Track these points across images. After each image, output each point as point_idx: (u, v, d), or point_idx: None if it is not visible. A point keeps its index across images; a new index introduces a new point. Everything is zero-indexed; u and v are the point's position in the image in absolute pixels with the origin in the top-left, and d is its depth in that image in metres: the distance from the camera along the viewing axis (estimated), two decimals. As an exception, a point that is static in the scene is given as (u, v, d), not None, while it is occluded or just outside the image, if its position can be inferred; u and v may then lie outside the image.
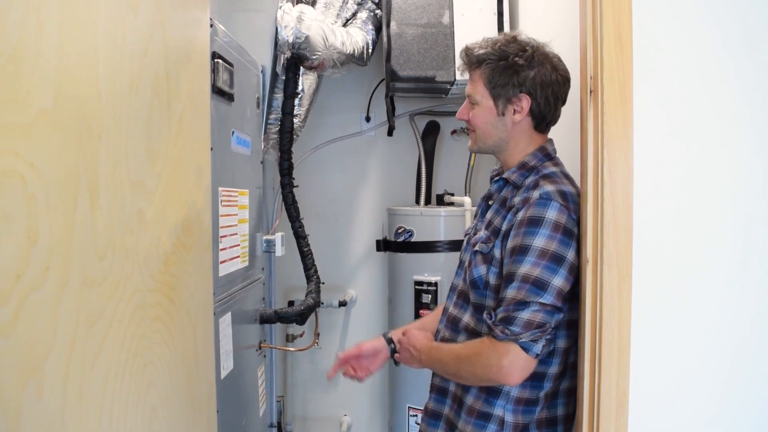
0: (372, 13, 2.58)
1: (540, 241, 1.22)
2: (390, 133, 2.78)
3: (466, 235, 1.52)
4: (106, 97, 0.88)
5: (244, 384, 1.84)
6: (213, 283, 1.45)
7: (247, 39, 1.91)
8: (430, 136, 2.84)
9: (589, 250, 1.17)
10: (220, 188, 1.56)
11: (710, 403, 1.16)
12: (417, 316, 2.54)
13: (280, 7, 2.12)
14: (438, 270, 2.53)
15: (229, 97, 1.64)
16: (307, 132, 2.69)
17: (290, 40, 2.10)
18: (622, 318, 1.14)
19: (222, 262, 1.59)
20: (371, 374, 1.63)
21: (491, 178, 1.49)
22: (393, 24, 2.43)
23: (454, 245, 2.48)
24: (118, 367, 0.92)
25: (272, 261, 2.40)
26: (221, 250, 1.58)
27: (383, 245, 2.78)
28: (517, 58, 1.33)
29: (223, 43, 1.60)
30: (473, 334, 1.36)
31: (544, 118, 1.37)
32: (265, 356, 2.16)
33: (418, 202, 2.80)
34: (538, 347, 1.21)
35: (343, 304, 2.94)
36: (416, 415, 2.56)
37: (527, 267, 1.22)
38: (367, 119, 2.97)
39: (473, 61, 1.38)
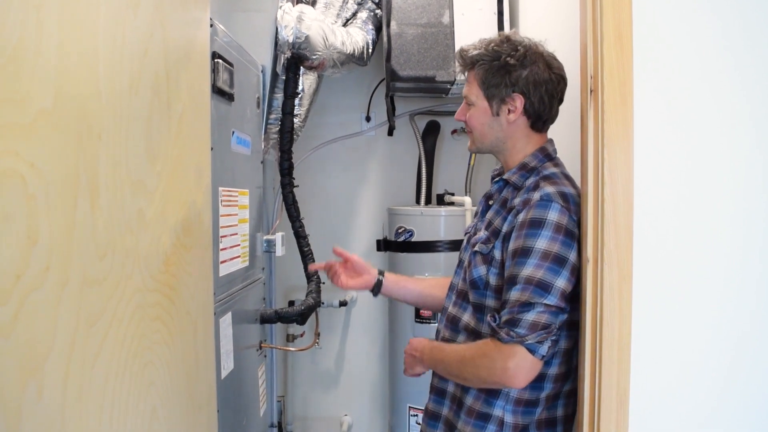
0: (372, 13, 2.58)
1: (542, 242, 1.22)
2: (390, 132, 2.78)
3: (466, 233, 1.52)
4: (106, 97, 0.88)
5: (244, 384, 1.84)
6: (213, 283, 1.45)
7: (247, 39, 1.91)
8: (430, 135, 2.84)
9: (590, 249, 1.17)
10: (220, 188, 1.56)
11: (710, 398, 1.16)
12: (417, 315, 2.54)
13: (280, 7, 2.13)
14: (438, 270, 2.53)
15: (229, 97, 1.64)
16: (307, 132, 2.69)
17: (290, 40, 2.10)
18: (622, 318, 1.14)
19: (222, 262, 1.59)
20: (345, 286, 1.68)
21: (492, 178, 1.49)
22: (393, 24, 2.43)
23: (455, 245, 2.48)
24: (118, 367, 0.91)
25: (272, 261, 2.40)
26: (221, 250, 1.58)
27: (383, 245, 2.78)
28: (509, 58, 1.33)
29: (223, 43, 1.60)
30: (473, 333, 1.36)
31: (539, 117, 1.36)
32: (265, 356, 2.16)
33: (418, 201, 2.80)
34: (544, 348, 1.21)
35: (343, 304, 2.94)
36: (417, 415, 2.56)
37: (530, 269, 1.22)
38: (368, 119, 2.97)
39: (467, 62, 1.39)
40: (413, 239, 2.57)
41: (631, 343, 1.14)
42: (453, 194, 2.73)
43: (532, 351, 1.20)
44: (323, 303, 2.74)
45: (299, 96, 2.38)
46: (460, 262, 1.49)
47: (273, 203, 2.48)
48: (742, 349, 1.14)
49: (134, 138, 0.98)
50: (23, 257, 0.68)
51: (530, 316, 1.20)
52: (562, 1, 1.77)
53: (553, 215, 1.23)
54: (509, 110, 1.35)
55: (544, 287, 1.20)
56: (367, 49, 2.53)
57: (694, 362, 1.15)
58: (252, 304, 1.96)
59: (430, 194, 2.81)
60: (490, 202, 1.44)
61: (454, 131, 2.92)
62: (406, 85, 2.51)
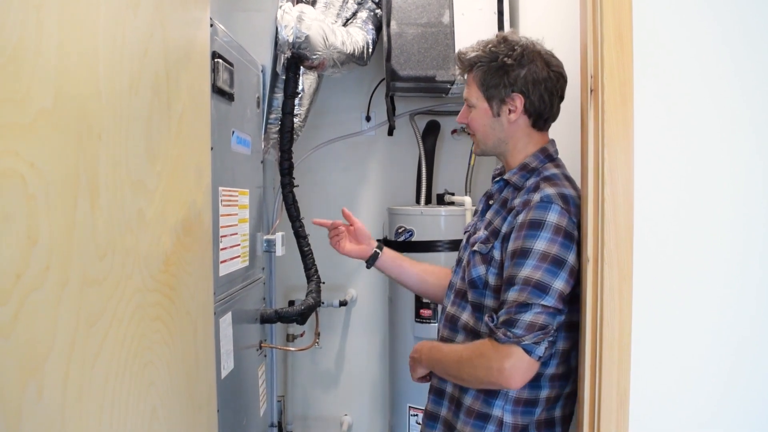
0: (372, 13, 2.58)
1: (541, 244, 1.22)
2: (390, 132, 2.78)
3: (465, 232, 1.53)
4: (106, 97, 0.88)
5: (244, 384, 1.84)
6: (213, 283, 1.45)
7: (247, 39, 1.91)
8: (430, 135, 2.84)
9: (590, 249, 1.17)
10: (220, 188, 1.56)
11: (710, 403, 1.16)
12: (417, 315, 2.54)
13: (280, 6, 2.12)
14: (438, 269, 2.53)
15: (229, 97, 1.64)
16: (307, 131, 2.69)
17: (290, 40, 2.10)
18: (622, 317, 1.14)
19: (222, 262, 1.59)
20: (343, 251, 1.71)
21: (493, 178, 1.49)
22: (393, 23, 2.43)
23: (455, 245, 2.48)
24: (118, 367, 0.91)
25: (272, 261, 2.40)
26: (221, 249, 1.58)
27: (383, 245, 2.77)
28: (506, 59, 1.33)
29: (224, 42, 1.60)
30: (472, 332, 1.36)
31: (540, 116, 1.36)
32: (265, 356, 2.16)
33: (418, 201, 2.80)
34: (541, 349, 1.21)
35: (343, 303, 2.94)
36: (417, 415, 2.56)
37: (528, 270, 1.22)
38: (368, 119, 2.97)
39: (466, 65, 1.39)
40: (413, 239, 2.57)
41: (631, 343, 1.14)
42: (453, 194, 2.73)
43: (528, 352, 1.20)
44: (323, 303, 2.74)
45: (299, 96, 2.38)
46: (459, 261, 1.49)
47: (273, 203, 2.48)
48: (742, 355, 1.14)
49: (134, 138, 0.98)
50: (23, 257, 0.68)
51: (527, 317, 1.20)
52: (562, 0, 1.77)
53: (553, 217, 1.23)
54: (510, 110, 1.35)
55: (541, 288, 1.20)
56: (367, 48, 2.53)
57: (694, 367, 1.15)
58: (252, 304, 1.96)
59: (430, 194, 2.81)
60: (491, 202, 1.44)
61: (454, 131, 2.92)
62: (406, 85, 2.50)
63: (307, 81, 2.47)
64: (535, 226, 1.23)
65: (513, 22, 2.47)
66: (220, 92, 1.55)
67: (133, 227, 0.97)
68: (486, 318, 1.28)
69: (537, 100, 1.34)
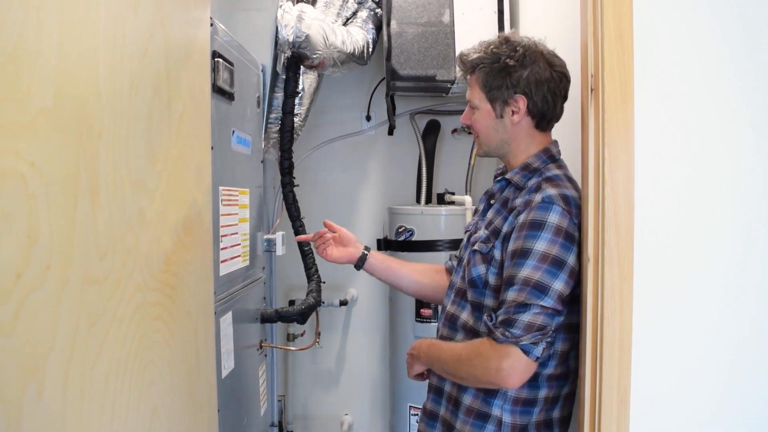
0: (372, 12, 2.57)
1: (541, 245, 1.22)
2: (390, 132, 2.78)
3: (466, 231, 1.52)
4: (107, 97, 0.88)
5: (245, 383, 1.84)
6: (214, 283, 1.45)
7: (247, 38, 1.91)
8: (430, 135, 2.84)
9: (590, 248, 1.17)
10: (220, 187, 1.56)
11: (710, 403, 1.16)
12: (418, 315, 2.54)
13: (281, 6, 2.12)
14: (439, 269, 2.53)
15: (229, 97, 1.64)
16: (307, 131, 2.69)
17: (290, 39, 2.10)
18: (623, 317, 1.13)
19: (223, 262, 1.59)
20: (330, 258, 1.70)
21: (495, 177, 1.49)
22: (393, 23, 2.43)
23: (455, 244, 2.48)
24: (119, 366, 0.91)
25: (273, 260, 2.40)
26: (222, 249, 1.58)
27: (384, 244, 2.77)
28: (508, 60, 1.32)
29: (224, 42, 1.60)
30: (471, 332, 1.36)
31: (544, 117, 1.36)
32: (266, 355, 2.16)
33: (418, 201, 2.80)
34: (539, 350, 1.21)
35: (344, 303, 2.94)
36: (417, 414, 2.56)
37: (528, 270, 1.22)
38: (368, 118, 2.97)
39: (468, 66, 1.39)
40: (414, 238, 2.57)
41: (632, 342, 1.13)
42: (453, 193, 2.72)
43: (526, 352, 1.20)
44: (324, 302, 2.74)
45: (299, 95, 2.38)
46: (459, 260, 1.49)
47: (273, 202, 2.48)
48: (742, 355, 1.14)
49: (135, 137, 0.98)
50: (23, 256, 0.68)
51: (526, 317, 1.20)
52: (562, -1, 1.77)
53: (554, 218, 1.23)
54: (513, 111, 1.35)
55: (541, 289, 1.20)
56: (368, 48, 2.52)
57: (694, 367, 1.15)
58: (252, 304, 1.96)
59: (430, 193, 2.81)
60: (492, 201, 1.44)
61: (454, 130, 2.92)
62: (407, 85, 2.50)
63: (307, 80, 2.47)
64: (536, 226, 1.23)
65: (513, 22, 2.47)
66: (220, 92, 1.55)
67: (134, 227, 0.97)
68: (485, 317, 1.28)
69: (540, 101, 1.34)
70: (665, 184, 1.14)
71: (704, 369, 1.15)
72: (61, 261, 0.76)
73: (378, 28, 2.57)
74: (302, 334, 2.96)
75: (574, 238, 1.24)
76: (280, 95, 2.25)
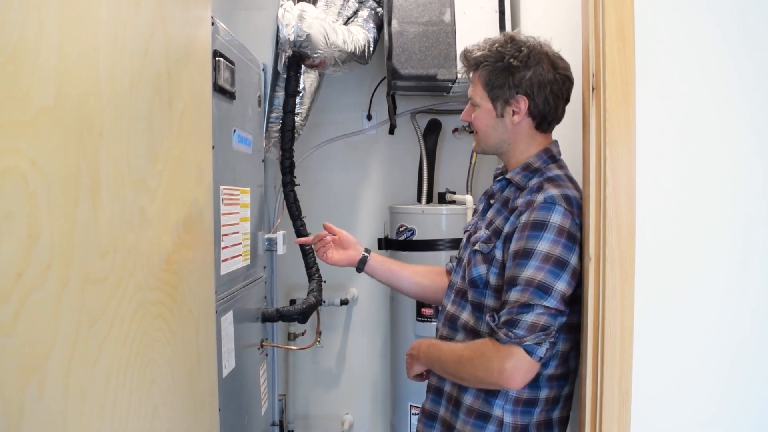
0: (373, 12, 2.57)
1: (544, 245, 1.22)
2: (391, 131, 2.78)
3: (465, 231, 1.52)
4: (108, 95, 0.88)
5: (246, 382, 1.84)
6: (215, 282, 1.45)
7: (248, 37, 1.91)
8: (431, 134, 2.84)
9: (592, 248, 1.17)
10: (221, 186, 1.56)
11: (710, 403, 1.16)
12: (419, 314, 2.54)
13: (282, 5, 2.12)
14: (440, 268, 2.53)
15: (230, 96, 1.64)
16: (308, 130, 2.69)
17: (291, 39, 2.10)
18: (624, 316, 1.13)
19: (224, 261, 1.59)
20: (331, 261, 1.70)
21: (494, 177, 1.49)
22: (394, 22, 2.43)
23: (456, 244, 2.47)
24: (120, 365, 0.91)
25: (274, 259, 2.40)
26: (223, 248, 1.58)
27: (385, 244, 2.77)
28: (512, 60, 1.32)
29: (225, 41, 1.60)
30: (472, 332, 1.36)
31: (545, 118, 1.36)
32: (266, 355, 2.16)
33: (419, 200, 2.80)
34: (542, 350, 1.20)
35: (344, 302, 2.94)
36: (418, 413, 2.56)
37: (531, 271, 1.21)
38: (369, 118, 2.97)
39: (471, 63, 1.38)
40: (414, 238, 2.57)
41: (633, 342, 1.13)
42: (454, 193, 2.72)
43: (529, 352, 1.20)
44: (324, 302, 2.74)
45: (300, 94, 2.38)
46: (459, 260, 1.48)
47: (274, 202, 2.48)
48: (742, 355, 1.14)
49: (135, 136, 0.97)
50: (24, 255, 0.68)
51: (529, 318, 1.20)
52: (563, -1, 1.76)
53: (557, 218, 1.23)
54: (513, 112, 1.34)
55: (544, 289, 1.20)
56: (369, 47, 2.52)
57: (694, 367, 1.15)
58: (253, 303, 1.96)
59: (431, 193, 2.81)
60: (492, 201, 1.43)
61: (455, 130, 2.92)
62: (408, 84, 2.50)
63: (308, 80, 2.47)
64: (539, 227, 1.23)
65: (514, 21, 2.46)
66: (221, 91, 1.55)
67: (135, 226, 0.97)
68: (487, 318, 1.27)
69: (542, 103, 1.33)
70: (665, 184, 1.14)
71: (704, 369, 1.15)
72: (61, 260, 0.76)
73: (379, 28, 2.57)
74: (303, 334, 2.96)
75: (576, 238, 1.23)
76: (281, 94, 2.25)
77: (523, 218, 1.26)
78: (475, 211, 1.55)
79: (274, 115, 2.26)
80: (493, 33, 2.35)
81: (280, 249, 2.13)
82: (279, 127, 2.28)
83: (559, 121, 1.39)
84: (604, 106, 1.13)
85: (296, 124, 2.33)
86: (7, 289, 0.65)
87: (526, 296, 1.21)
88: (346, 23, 2.53)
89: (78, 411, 0.80)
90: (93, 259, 0.83)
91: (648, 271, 1.14)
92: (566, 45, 1.41)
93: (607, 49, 1.12)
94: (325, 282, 2.48)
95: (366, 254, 1.68)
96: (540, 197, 1.26)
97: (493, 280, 1.31)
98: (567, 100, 1.37)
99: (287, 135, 2.27)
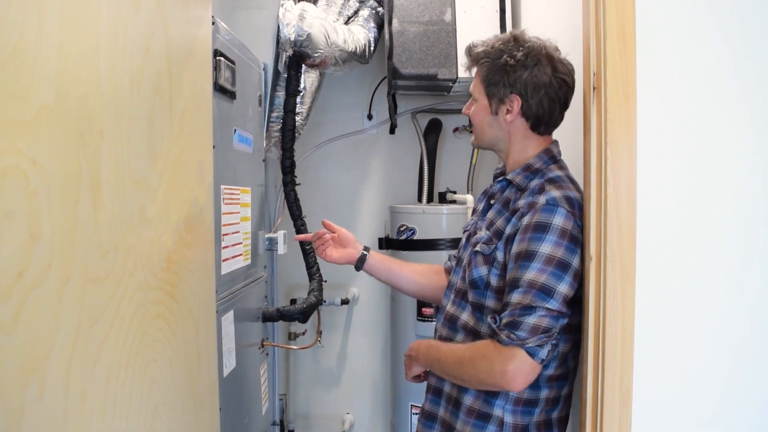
0: (374, 11, 2.57)
1: (546, 247, 1.22)
2: (392, 131, 2.77)
3: (465, 231, 1.52)
4: (108, 95, 0.88)
5: (246, 382, 1.84)
6: (215, 281, 1.45)
7: (249, 37, 1.91)
8: (432, 133, 2.84)
9: (593, 247, 1.17)
10: (222, 186, 1.56)
11: (710, 403, 1.16)
12: (419, 314, 2.54)
13: (282, 4, 2.12)
14: (440, 268, 2.53)
15: (231, 95, 1.64)
16: (309, 130, 2.69)
17: (292, 38, 2.10)
18: (625, 316, 1.13)
19: (224, 260, 1.59)
20: (330, 259, 1.70)
21: (495, 177, 1.49)
22: (395, 21, 2.43)
23: (457, 243, 2.45)
24: (120, 365, 0.91)
25: (274, 259, 2.40)
26: (223, 248, 1.58)
27: (385, 243, 2.77)
28: (510, 58, 1.32)
29: (225, 40, 1.60)
30: (472, 332, 1.36)
31: (539, 121, 1.35)
32: (267, 354, 2.16)
33: (420, 200, 2.80)
34: (544, 352, 1.20)
35: (345, 302, 2.94)
36: (418, 413, 2.56)
37: (533, 273, 1.21)
38: (369, 117, 2.97)
39: (473, 59, 1.40)
40: (415, 237, 2.57)
41: (633, 342, 1.13)
42: (455, 192, 2.72)
43: (532, 354, 1.20)
44: (325, 301, 2.74)
45: (301, 94, 2.38)
46: (459, 260, 1.48)
47: (275, 201, 2.48)
48: (742, 355, 1.14)
49: (136, 135, 0.97)
50: (25, 254, 0.68)
51: (531, 320, 1.20)
52: (564, -2, 1.76)
53: (559, 220, 1.23)
54: (507, 110, 1.35)
55: (546, 291, 1.20)
56: (369, 47, 2.52)
57: (695, 367, 1.15)
58: (254, 302, 1.96)
59: (432, 192, 2.81)
60: (492, 201, 1.43)
61: (456, 129, 2.92)
62: (408, 83, 2.50)
63: (308, 79, 2.47)
64: (541, 228, 1.23)
65: (515, 20, 2.46)
66: (222, 90, 1.55)
67: (135, 225, 0.97)
68: (489, 319, 1.27)
69: (535, 105, 1.33)
70: (666, 184, 1.14)
71: (704, 369, 1.15)
72: (62, 259, 0.76)
73: (379, 27, 2.57)
74: (304, 333, 2.96)
75: (578, 240, 1.23)
76: (281, 94, 2.25)
77: (525, 220, 1.26)
78: (474, 211, 1.55)
79: (274, 114, 2.26)
80: (494, 32, 2.35)
81: (281, 248, 2.13)
82: (280, 126, 2.28)
83: (556, 125, 1.39)
84: (605, 105, 1.13)
85: (297, 123, 2.33)
86: (7, 288, 0.65)
87: (528, 298, 1.20)
88: (346, 23, 2.53)
89: (78, 411, 0.80)
90: (93, 258, 0.83)
91: (649, 271, 1.14)
92: (567, 44, 1.41)
93: (608, 48, 1.12)
94: (325, 281, 2.48)
95: (365, 252, 1.68)
96: (542, 199, 1.26)
97: (494, 281, 1.31)
98: (564, 106, 1.36)
99: (288, 134, 2.27)
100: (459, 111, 2.82)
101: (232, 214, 1.66)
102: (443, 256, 2.51)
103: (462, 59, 2.30)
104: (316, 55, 2.17)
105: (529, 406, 1.31)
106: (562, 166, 1.37)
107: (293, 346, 2.87)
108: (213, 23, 1.45)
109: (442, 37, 2.43)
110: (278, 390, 2.48)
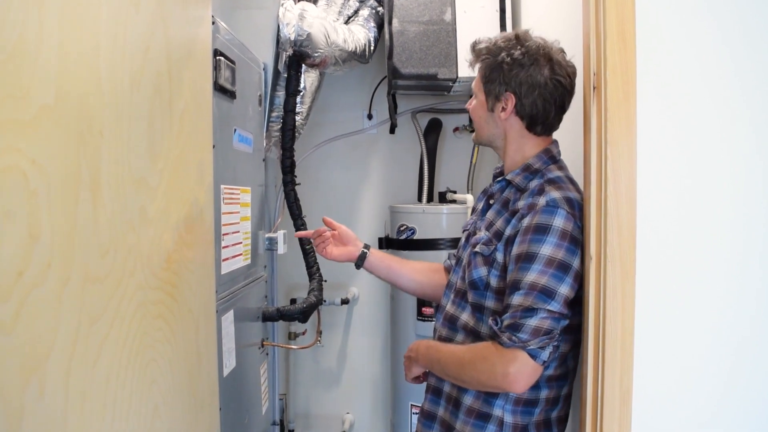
0: (374, 11, 2.57)
1: (547, 249, 1.22)
2: (392, 130, 2.77)
3: (464, 230, 1.52)
4: (108, 94, 0.88)
5: (246, 382, 1.84)
6: (215, 281, 1.45)
7: (249, 36, 1.91)
8: (432, 133, 2.84)
9: (593, 247, 1.17)
10: (222, 186, 1.56)
11: (710, 403, 1.15)
12: (419, 313, 2.54)
13: (282, 4, 2.12)
14: (440, 268, 2.52)
15: (231, 95, 1.64)
16: (309, 130, 2.69)
17: (292, 38, 2.10)
18: (625, 315, 1.13)
19: (224, 260, 1.59)
20: (330, 256, 1.69)
21: (494, 176, 1.49)
22: (395, 21, 2.43)
23: (457, 243, 2.46)
24: (120, 365, 0.91)
25: (274, 259, 2.40)
26: (223, 247, 1.58)
27: (385, 243, 2.77)
28: (507, 57, 1.32)
29: (225, 40, 1.59)
30: (472, 333, 1.36)
31: (534, 121, 1.35)
32: (267, 354, 2.16)
33: (420, 199, 2.80)
34: (546, 354, 1.20)
35: (345, 301, 2.94)
36: (418, 413, 2.56)
37: (534, 275, 1.21)
38: (369, 117, 2.97)
39: (476, 54, 1.40)
40: (415, 237, 2.57)
41: (633, 341, 1.13)
42: (455, 192, 2.72)
43: (533, 356, 1.19)
44: (325, 301, 2.74)
45: (301, 94, 2.38)
46: (458, 260, 1.48)
47: (275, 201, 2.48)
48: (742, 355, 1.14)
49: (136, 135, 0.97)
50: (25, 254, 0.68)
51: (533, 322, 1.19)
52: (564, -2, 1.76)
53: (559, 221, 1.22)
54: (502, 108, 1.35)
55: (547, 293, 1.20)
56: (369, 46, 2.52)
57: (694, 367, 1.15)
58: (254, 302, 1.96)
59: (432, 192, 2.81)
60: (491, 201, 1.43)
61: (456, 129, 2.92)
62: (408, 83, 2.50)
63: (308, 79, 2.47)
64: (542, 230, 1.23)
65: (515, 20, 2.46)
66: (221, 90, 1.55)
67: (135, 225, 0.97)
68: (490, 321, 1.27)
69: (529, 105, 1.33)
70: (666, 184, 1.14)
71: (704, 369, 1.15)
72: (62, 259, 0.76)
73: (379, 27, 2.57)
74: (304, 333, 2.96)
75: (578, 241, 1.23)
76: (281, 94, 2.25)
77: (526, 221, 1.26)
78: (473, 210, 1.55)
79: (274, 114, 2.26)
80: (494, 32, 2.35)
81: (281, 248, 2.13)
82: (279, 126, 2.28)
83: (552, 127, 1.38)
84: (605, 105, 1.13)
85: (297, 123, 2.33)
86: (7, 288, 0.65)
87: (529, 300, 1.20)
88: (346, 22, 2.53)
89: (78, 411, 0.80)
90: (93, 258, 0.83)
91: (649, 270, 1.14)
92: (567, 43, 1.41)
93: (607, 48, 1.12)
94: (325, 281, 2.48)
95: (365, 250, 1.68)
96: (542, 200, 1.26)
97: (494, 282, 1.31)
98: (561, 108, 1.36)
99: (288, 134, 2.27)
100: (459, 111, 2.85)
101: (232, 213, 1.66)
102: (443, 256, 2.49)
103: (462, 59, 2.31)
104: (316, 54, 2.16)
105: (529, 406, 1.31)
106: (561, 167, 1.37)
107: (293, 346, 2.87)
108: (213, 23, 1.45)
109: (442, 37, 2.43)
110: (278, 390, 2.48)
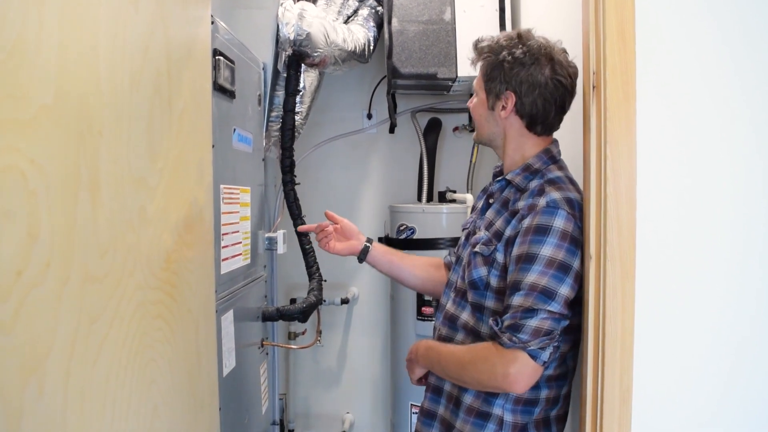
0: (373, 10, 2.57)
1: (548, 250, 1.21)
2: (392, 130, 2.78)
3: (464, 230, 1.52)
4: (107, 94, 0.88)
5: (246, 382, 1.84)
6: (215, 281, 1.45)
7: (248, 36, 1.91)
8: (431, 133, 2.84)
9: (593, 247, 1.17)
10: (221, 185, 1.56)
11: (710, 403, 1.15)
12: (419, 313, 2.54)
13: (282, 4, 2.12)
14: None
15: (230, 95, 1.64)
16: (308, 129, 2.69)
17: (291, 38, 2.10)
18: (625, 315, 1.13)
19: (224, 260, 1.59)
20: (332, 250, 1.69)
21: (494, 175, 1.49)
22: (394, 21, 2.43)
23: (457, 242, 2.47)
24: (120, 365, 0.91)
25: (274, 258, 2.40)
26: (223, 247, 1.58)
27: (385, 243, 2.77)
28: (508, 55, 1.32)
29: (225, 40, 1.59)
30: (472, 332, 1.36)
31: (534, 120, 1.35)
32: (267, 354, 2.16)
33: (420, 199, 2.80)
34: (546, 355, 1.20)
35: (345, 301, 2.94)
36: (418, 412, 2.56)
37: (535, 276, 1.21)
38: (369, 116, 2.97)
39: (478, 52, 1.41)
40: (415, 237, 2.57)
41: (633, 341, 1.13)
42: (455, 191, 2.72)
43: (534, 357, 1.19)
44: (325, 301, 2.74)
45: (300, 93, 2.38)
46: (458, 259, 1.48)
47: (274, 201, 2.48)
48: (742, 355, 1.14)
49: (135, 135, 0.97)
50: (24, 254, 0.68)
51: (533, 322, 1.19)
52: (564, -3, 1.76)
53: (560, 222, 1.22)
54: (502, 107, 1.35)
55: (548, 294, 1.20)
56: (369, 46, 2.52)
57: (694, 367, 1.15)
58: (254, 302, 1.96)
59: (431, 192, 2.81)
60: (491, 200, 1.43)
61: (455, 128, 2.92)
62: (408, 83, 2.50)
63: (308, 78, 2.47)
64: (542, 231, 1.23)
65: (515, 19, 2.46)
66: (221, 90, 1.55)
67: (135, 224, 0.97)
68: (490, 321, 1.27)
69: (529, 104, 1.33)
70: (666, 183, 1.14)
71: (704, 369, 1.15)
72: (61, 259, 0.75)
73: (379, 26, 2.57)
74: (303, 333, 2.96)
75: (578, 242, 1.23)
76: (281, 93, 2.25)
77: (526, 222, 1.26)
78: (473, 209, 1.55)
79: (274, 114, 2.26)
80: (494, 31, 2.35)
81: (281, 248, 2.13)
82: (279, 126, 2.28)
83: (552, 128, 1.38)
84: (605, 104, 1.13)
85: (296, 123, 2.33)
86: (6, 287, 0.65)
87: (530, 301, 1.20)
88: (346, 22, 2.53)
89: (78, 410, 0.80)
90: (92, 258, 0.83)
91: (648, 270, 1.14)
92: (567, 43, 1.41)
93: (607, 47, 1.12)
94: (325, 281, 2.48)
95: (368, 244, 1.68)
96: (542, 201, 1.25)
97: (494, 282, 1.31)
98: (561, 108, 1.35)
99: (287, 134, 2.27)
100: (458, 110, 2.85)
101: (231, 213, 1.66)
102: (443, 255, 2.51)
103: (461, 58, 2.31)
104: (315, 54, 2.16)
105: (529, 405, 1.31)
106: (561, 167, 1.37)
107: (293, 346, 2.87)
108: (212, 23, 1.45)
109: (442, 37, 2.43)
110: (278, 389, 2.48)
